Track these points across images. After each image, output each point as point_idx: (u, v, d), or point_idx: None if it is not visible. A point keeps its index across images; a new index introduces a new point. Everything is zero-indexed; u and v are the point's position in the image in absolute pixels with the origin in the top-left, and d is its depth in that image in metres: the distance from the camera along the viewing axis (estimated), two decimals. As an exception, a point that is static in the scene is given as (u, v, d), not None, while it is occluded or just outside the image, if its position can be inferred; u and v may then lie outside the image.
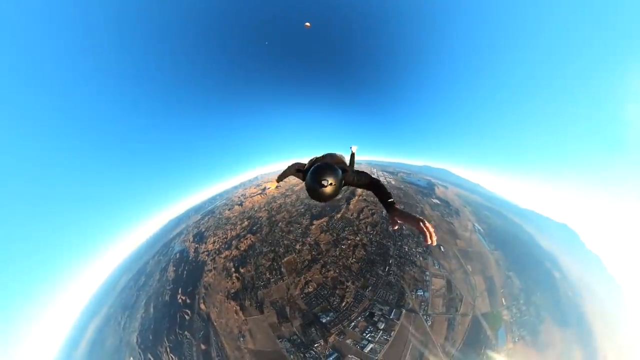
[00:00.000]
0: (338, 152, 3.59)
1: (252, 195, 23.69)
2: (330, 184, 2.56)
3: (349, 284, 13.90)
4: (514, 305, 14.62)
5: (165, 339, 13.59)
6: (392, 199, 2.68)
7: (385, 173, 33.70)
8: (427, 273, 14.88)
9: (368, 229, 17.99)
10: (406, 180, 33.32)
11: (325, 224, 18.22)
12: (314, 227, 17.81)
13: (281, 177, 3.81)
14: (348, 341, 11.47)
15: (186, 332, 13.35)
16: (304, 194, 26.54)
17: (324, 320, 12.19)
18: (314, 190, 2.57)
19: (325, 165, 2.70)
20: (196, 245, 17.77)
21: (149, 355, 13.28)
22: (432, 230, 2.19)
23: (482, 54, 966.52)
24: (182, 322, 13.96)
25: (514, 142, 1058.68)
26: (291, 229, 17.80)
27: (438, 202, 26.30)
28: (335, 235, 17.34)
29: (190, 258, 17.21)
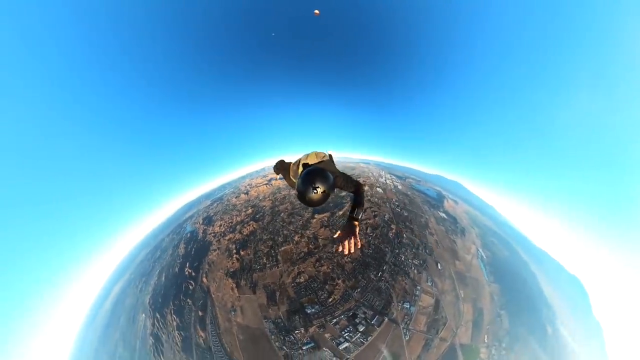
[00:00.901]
0: (322, 152, 3.45)
1: (258, 185, 25.13)
2: (323, 191, 2.47)
3: (339, 281, 14.29)
4: (495, 346, 14.04)
5: (171, 303, 15.48)
6: (359, 215, 2.69)
7: (392, 176, 31.82)
8: (419, 288, 14.67)
9: (368, 231, 18.03)
10: (414, 187, 31.50)
11: (326, 219, 18.46)
12: (314, 220, 18.16)
13: (277, 171, 3.81)
14: (326, 335, 12.07)
15: (188, 300, 15.09)
16: None
17: (308, 311, 12.87)
18: (304, 195, 2.47)
19: (318, 170, 2.59)
20: (205, 227, 19.64)
21: (157, 314, 15.29)
22: (348, 247, 2.27)
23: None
24: (186, 291, 15.74)
25: (547, 169, 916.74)
26: (292, 220, 18.37)
27: (445, 216, 24.79)
28: (334, 231, 18.31)
29: (198, 238, 19.12)
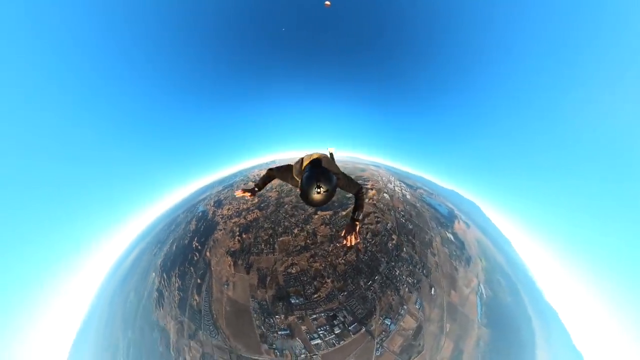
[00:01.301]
0: (322, 152, 3.45)
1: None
2: (326, 191, 2.47)
3: (328, 280, 14.61)
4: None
5: (177, 268, 17.49)
6: (359, 216, 2.87)
7: (402, 184, 29.20)
8: (405, 307, 14.21)
9: (368, 236, 17.78)
10: (425, 199, 28.39)
11: (328, 217, 18.40)
12: (316, 217, 18.26)
13: (264, 182, 3.55)
14: (303, 327, 12.59)
15: (191, 268, 16.91)
16: None
17: (292, 301, 13.51)
18: (307, 195, 2.48)
19: (322, 170, 2.60)
20: (215, 209, 21.10)
21: (164, 275, 17.46)
22: (349, 240, 2.51)
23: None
24: (191, 260, 17.66)
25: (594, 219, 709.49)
26: (295, 213, 18.83)
27: (452, 238, 22.20)
28: (334, 230, 17.40)
29: (208, 217, 21.03)
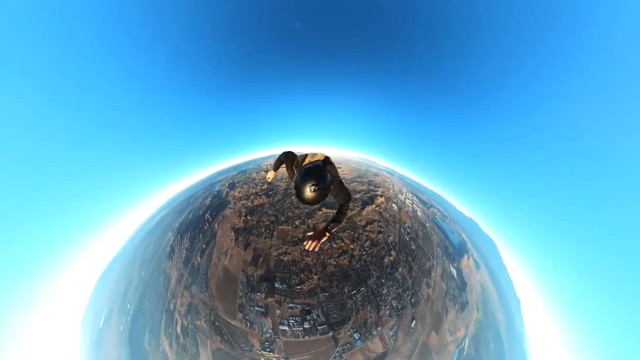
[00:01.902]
0: (327, 155, 3.28)
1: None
2: (320, 189, 2.41)
3: (315, 277, 15.13)
4: None
5: (189, 233, 20.12)
6: (333, 229, 2.85)
7: (415, 198, 26.46)
8: (379, 329, 13.90)
9: (366, 244, 17.45)
10: (437, 221, 25.20)
11: (330, 216, 17.71)
12: (320, 213, 18.48)
13: (277, 166, 3.83)
14: (277, 311, 13.53)
15: (200, 234, 19.42)
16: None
17: (276, 285, 14.51)
18: (300, 191, 2.44)
19: (318, 169, 2.53)
20: (228, 190, 23.07)
21: (178, 235, 20.27)
22: (310, 245, 2.45)
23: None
24: (201, 229, 20.21)
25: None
26: (300, 205, 19.32)
27: (455, 274, 19.90)
28: (334, 230, 18.57)
29: (222, 196, 22.85)
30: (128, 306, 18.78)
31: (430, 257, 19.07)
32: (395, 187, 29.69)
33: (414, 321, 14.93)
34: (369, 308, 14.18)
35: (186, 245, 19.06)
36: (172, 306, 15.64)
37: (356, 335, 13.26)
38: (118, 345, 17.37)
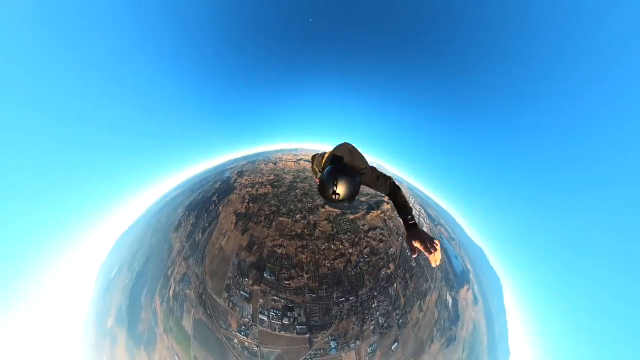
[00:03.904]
0: (352, 145, 2.76)
1: (287, 160, 27.21)
2: (342, 198, 2.23)
3: (305, 276, 14.87)
4: None
5: (196, 211, 21.49)
6: (412, 219, 2.16)
7: (422, 211, 25.59)
8: (357, 343, 13.40)
9: (365, 251, 16.67)
10: (442, 242, 23.93)
11: (334, 215, 17.90)
12: (323, 210, 18.21)
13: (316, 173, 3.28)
14: (260, 300, 13.68)
15: (205, 214, 20.61)
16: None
17: (265, 275, 14.64)
18: (324, 192, 2.24)
19: (344, 171, 2.21)
20: (236, 177, 24.17)
21: (186, 212, 21.84)
22: (438, 257, 1.81)
23: None
24: (208, 208, 21.45)
25: None
26: (303, 200, 19.34)
27: (450, 304, 18.58)
28: (335, 231, 16.98)
29: (230, 182, 23.99)
30: (135, 265, 20.86)
31: (429, 279, 18.05)
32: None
33: (396, 343, 14.17)
34: (353, 319, 13.67)
35: (191, 222, 20.45)
36: (169, 272, 16.99)
37: (332, 344, 12.92)
38: (121, 294, 19.37)
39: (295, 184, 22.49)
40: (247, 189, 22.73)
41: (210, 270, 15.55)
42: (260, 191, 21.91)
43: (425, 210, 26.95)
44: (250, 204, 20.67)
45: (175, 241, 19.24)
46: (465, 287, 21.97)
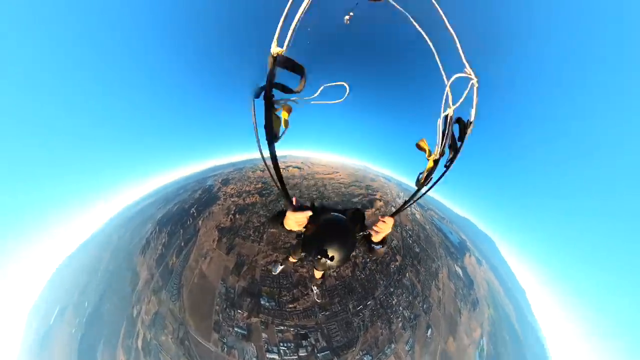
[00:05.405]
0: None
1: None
2: (337, 261, 1.65)
3: (312, 293, 12.74)
4: None
5: (169, 226, 17.90)
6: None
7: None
8: (392, 347, 12.16)
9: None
10: (435, 223, 26.32)
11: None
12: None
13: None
14: (264, 334, 10.93)
15: (181, 230, 17.18)
16: (321, 182, 24.94)
17: (262, 302, 11.85)
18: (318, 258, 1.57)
19: (340, 228, 1.74)
20: (220, 185, 21.76)
21: (157, 228, 17.98)
22: (383, 228, 1.66)
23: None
24: (183, 223, 18.00)
25: None
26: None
27: (461, 273, 20.04)
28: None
29: (213, 191, 21.70)
30: (85, 304, 16.17)
31: (435, 259, 18.64)
32: (392, 192, 30.20)
33: (430, 329, 13.52)
34: (379, 324, 12.22)
35: (163, 241, 16.69)
36: (135, 312, 13.24)
37: (367, 358, 11.14)
38: (65, 351, 14.39)
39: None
40: (232, 199, 19.72)
41: (191, 305, 12.45)
42: (248, 200, 19.18)
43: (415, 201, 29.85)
44: (237, 216, 17.80)
45: (142, 268, 15.38)
46: (467, 255, 23.51)
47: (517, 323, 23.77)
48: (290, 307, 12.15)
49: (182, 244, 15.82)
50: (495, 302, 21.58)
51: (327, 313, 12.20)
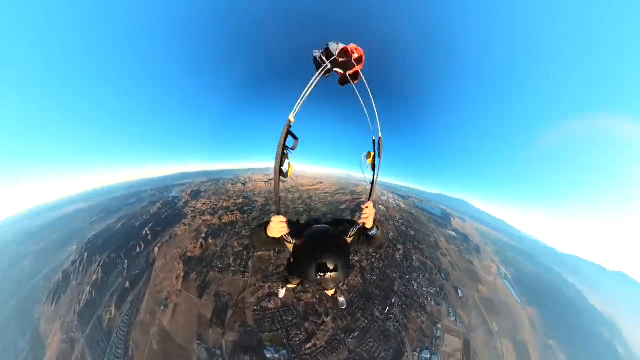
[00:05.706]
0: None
1: (258, 180, 25.66)
2: (337, 274, 1.66)
3: (327, 319, 10.09)
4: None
5: (107, 254, 12.84)
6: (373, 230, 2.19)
7: (394, 195, 32.65)
8: (439, 326, 11.53)
9: (370, 251, 15.13)
10: (418, 206, 30.93)
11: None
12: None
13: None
14: None
15: (126, 261, 12.30)
16: (307, 195, 25.08)
17: (268, 355, 8.38)
18: (308, 272, 1.66)
19: (330, 240, 1.81)
20: (188, 199, 17.98)
21: (85, 255, 12.90)
22: (368, 212, 1.95)
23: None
24: (131, 251, 13.15)
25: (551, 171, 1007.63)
26: None
27: (455, 234, 23.69)
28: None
29: (177, 206, 17.26)
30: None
31: (430, 233, 20.99)
32: (376, 192, 36.50)
33: (458, 290, 14.21)
34: (414, 314, 11.53)
35: (94, 278, 11.59)
36: None
37: (425, 354, 10.08)
38: None
39: (268, 207, 18.04)
40: (204, 218, 15.38)
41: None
42: (225, 219, 15.35)
43: (396, 194, 33.27)
44: (210, 240, 13.96)
45: (52, 328, 10.14)
46: (452, 219, 28.41)
47: (513, 242, 30.02)
48: (309, 347, 9.16)
49: (127, 283, 11.37)
50: (489, 239, 26.28)
51: (356, 334, 10.04)
